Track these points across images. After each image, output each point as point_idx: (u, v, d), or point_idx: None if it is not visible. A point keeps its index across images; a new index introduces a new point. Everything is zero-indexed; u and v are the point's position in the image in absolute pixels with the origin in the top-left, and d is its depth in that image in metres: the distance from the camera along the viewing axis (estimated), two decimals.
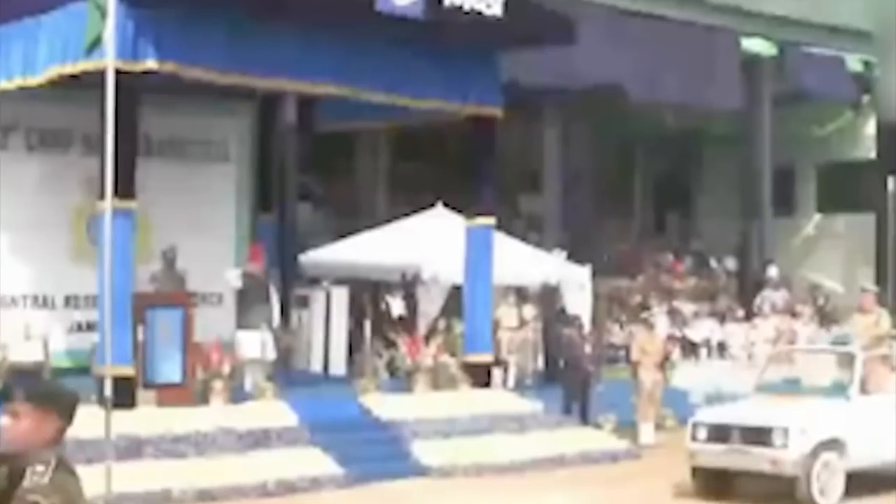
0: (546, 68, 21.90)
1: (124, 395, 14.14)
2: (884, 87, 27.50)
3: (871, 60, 27.73)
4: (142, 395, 14.94)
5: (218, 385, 15.73)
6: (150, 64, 14.84)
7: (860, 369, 15.06)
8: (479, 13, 16.76)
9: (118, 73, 13.37)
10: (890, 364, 15.89)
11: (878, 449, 14.59)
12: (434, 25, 16.59)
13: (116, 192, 13.56)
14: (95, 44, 14.65)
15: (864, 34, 26.89)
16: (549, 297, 23.05)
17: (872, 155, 30.95)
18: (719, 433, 14.58)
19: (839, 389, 15.11)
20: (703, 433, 14.70)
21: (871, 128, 31.10)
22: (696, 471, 14.82)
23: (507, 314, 22.36)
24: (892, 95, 22.12)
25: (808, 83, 27.86)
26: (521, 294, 23.01)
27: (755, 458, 14.20)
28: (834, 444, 14.29)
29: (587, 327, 21.90)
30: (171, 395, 15.40)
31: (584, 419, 18.46)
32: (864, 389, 15.09)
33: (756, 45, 26.96)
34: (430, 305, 21.33)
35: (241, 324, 17.36)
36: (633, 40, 24.53)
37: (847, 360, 15.42)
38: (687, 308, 28.45)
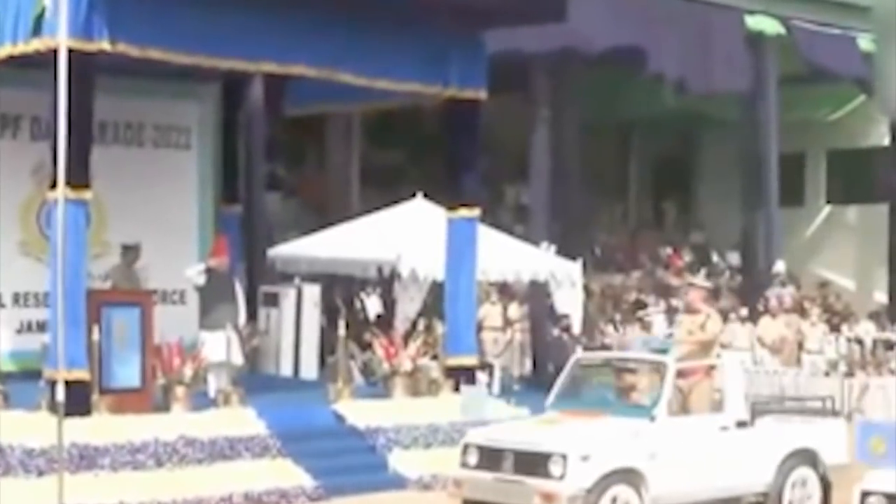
0: (536, 43, 22.06)
1: (78, 400, 14.14)
2: (883, 83, 27.57)
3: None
4: (97, 400, 14.95)
5: (179, 390, 15.74)
6: (104, 44, 14.84)
7: (671, 383, 13.46)
8: None
9: (71, 53, 13.39)
10: (716, 377, 14.38)
11: (688, 483, 13.16)
12: (413, 1, 16.63)
13: (69, 182, 13.59)
14: (39, 21, 14.65)
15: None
16: (537, 295, 23.13)
17: (886, 142, 31.11)
18: (491, 458, 12.96)
19: (643, 408, 13.51)
20: (473, 457, 13.13)
21: None
22: None
23: (491, 313, 22.45)
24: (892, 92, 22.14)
25: (820, 61, 27.94)
26: (508, 292, 23.10)
27: (527, 492, 12.51)
28: (628, 476, 12.68)
29: (578, 327, 22.04)
30: (128, 401, 15.40)
31: None
32: (683, 408, 13.85)
33: (761, 23, 27.07)
34: (408, 304, 21.39)
35: (205, 324, 17.37)
36: (629, 15, 24.64)
37: (658, 372, 13.77)
38: None
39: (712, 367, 14.46)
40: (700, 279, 18.40)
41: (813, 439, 14.20)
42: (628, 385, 14.18)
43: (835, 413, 15.27)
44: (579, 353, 16.18)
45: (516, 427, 14.00)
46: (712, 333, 15.00)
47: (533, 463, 12.60)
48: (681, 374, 13.86)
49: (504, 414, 16.90)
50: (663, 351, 14.42)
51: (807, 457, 14.04)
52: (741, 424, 13.84)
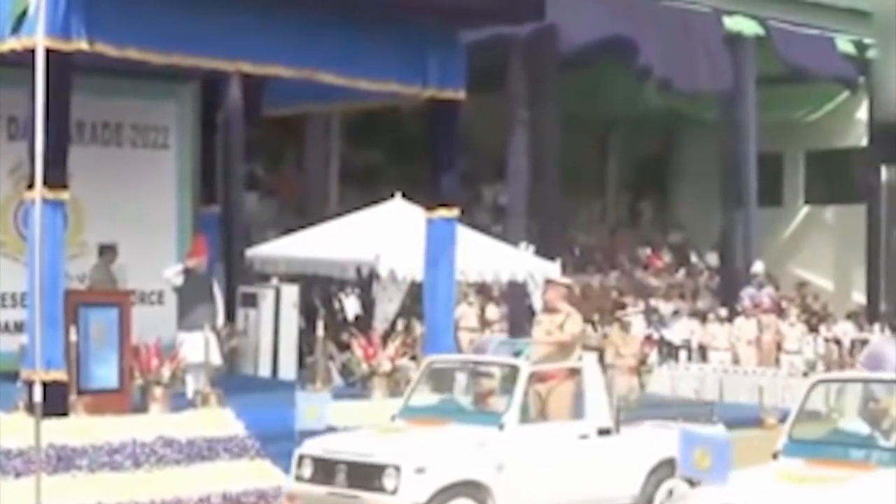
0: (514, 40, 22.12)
1: (55, 401, 14.10)
2: (882, 80, 27.70)
3: (864, 41, 27.97)
4: (74, 401, 14.92)
5: (157, 391, 15.72)
6: (82, 44, 14.81)
7: (523, 388, 12.66)
8: None
9: (49, 52, 13.37)
10: (578, 381, 13.48)
11: (541, 496, 12.33)
12: (391, 2, 16.63)
13: (46, 182, 13.56)
14: (21, 20, 14.63)
15: (856, 13, 27.13)
16: (516, 296, 23.16)
17: (864, 143, 31.27)
18: (325, 471, 12.16)
19: (493, 415, 12.69)
20: (307, 470, 12.34)
21: (862, 114, 31.41)
22: None
23: (467, 314, 22.47)
24: (891, 89, 22.21)
25: (797, 61, 28.09)
26: (486, 292, 23.12)
27: None
28: (470, 489, 11.85)
29: None
30: (106, 401, 15.37)
31: None
32: (542, 415, 13.24)
33: (739, 24, 27.18)
34: (387, 304, 21.40)
35: (183, 324, 17.35)
36: (611, 12, 24.72)
37: (510, 377, 12.94)
38: (665, 307, 28.66)
39: (573, 371, 13.57)
40: (558, 275, 16.01)
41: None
42: (483, 390, 13.35)
43: (715, 420, 14.38)
44: (432, 356, 15.02)
45: (354, 437, 12.94)
46: (570, 334, 14.15)
47: (366, 476, 11.82)
48: (539, 377, 13.20)
49: (358, 420, 15.26)
50: (519, 353, 13.79)
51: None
52: (604, 432, 13.06)
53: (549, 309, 14.55)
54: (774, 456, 10.41)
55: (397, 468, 11.63)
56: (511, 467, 12.09)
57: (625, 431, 13.27)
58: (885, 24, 16.34)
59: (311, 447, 12.52)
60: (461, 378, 13.85)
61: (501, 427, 12.37)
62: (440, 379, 13.86)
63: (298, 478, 12.39)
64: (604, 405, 13.32)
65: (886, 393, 10.74)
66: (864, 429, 10.57)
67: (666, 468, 12.92)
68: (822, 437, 10.73)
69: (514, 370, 12.87)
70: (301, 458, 12.45)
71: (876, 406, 10.61)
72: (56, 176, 14.36)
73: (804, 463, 10.19)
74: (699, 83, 26.44)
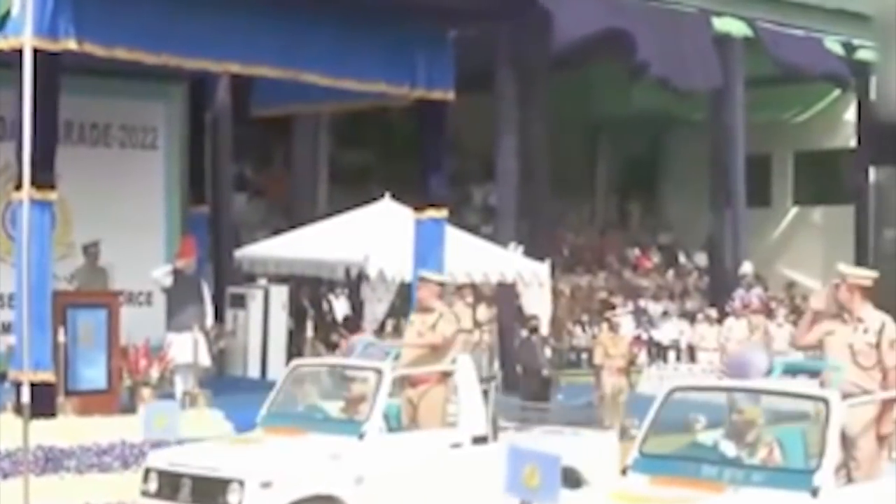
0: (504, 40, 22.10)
1: (44, 402, 14.07)
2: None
3: (852, 42, 27.99)
4: (62, 402, 14.88)
5: (146, 392, 15.69)
6: (70, 44, 14.78)
7: (385, 394, 11.95)
8: None
9: (36, 52, 13.32)
10: (453, 387, 12.77)
11: None
12: (380, 2, 16.62)
13: (34, 182, 13.50)
14: (4, 20, 14.59)
15: (844, 14, 27.17)
16: (505, 296, 23.15)
17: (852, 144, 31.32)
18: (171, 485, 11.36)
19: (354, 423, 11.90)
20: (153, 484, 11.52)
21: (851, 115, 31.47)
22: None
23: (463, 314, 22.45)
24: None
25: (788, 59, 28.07)
26: (476, 293, 23.11)
27: None
28: None
29: (546, 328, 22.02)
30: (94, 402, 15.34)
31: None
32: (414, 422, 12.57)
33: (727, 25, 27.19)
34: (376, 305, 21.38)
35: (172, 325, 17.32)
36: (604, 10, 24.70)
37: (374, 381, 12.14)
38: (654, 307, 28.68)
39: (446, 375, 12.80)
40: (432, 273, 14.48)
41: (575, 456, 12.01)
42: (349, 396, 12.48)
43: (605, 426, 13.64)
44: (297, 360, 14.15)
45: (202, 449, 12.14)
46: (442, 335, 13.08)
47: (210, 491, 11.02)
48: (411, 382, 12.59)
49: (213, 432, 14.59)
50: (395, 356, 12.89)
51: (567, 476, 10.90)
52: (479, 440, 12.38)
53: (422, 308, 13.48)
54: (623, 472, 9.59)
55: (241, 483, 10.85)
56: (372, 480, 11.37)
57: (505, 439, 12.42)
58: (884, 26, 16.34)
59: (157, 459, 11.77)
60: (327, 383, 13.06)
61: (362, 436, 11.65)
62: (306, 384, 13.00)
63: (144, 493, 11.61)
64: (479, 412, 12.61)
65: (751, 403, 9.75)
66: (722, 443, 9.61)
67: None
68: (675, 451, 9.82)
69: (378, 374, 12.07)
70: (147, 471, 11.71)
71: (740, 417, 9.63)
72: (44, 177, 14.33)
73: (649, 481, 9.27)
74: (694, 81, 26.41)
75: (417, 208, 18.72)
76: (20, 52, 13.27)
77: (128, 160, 19.88)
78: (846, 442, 9.85)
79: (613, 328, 20.35)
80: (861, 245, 30.19)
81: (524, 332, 22.30)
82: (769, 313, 25.90)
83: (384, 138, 29.24)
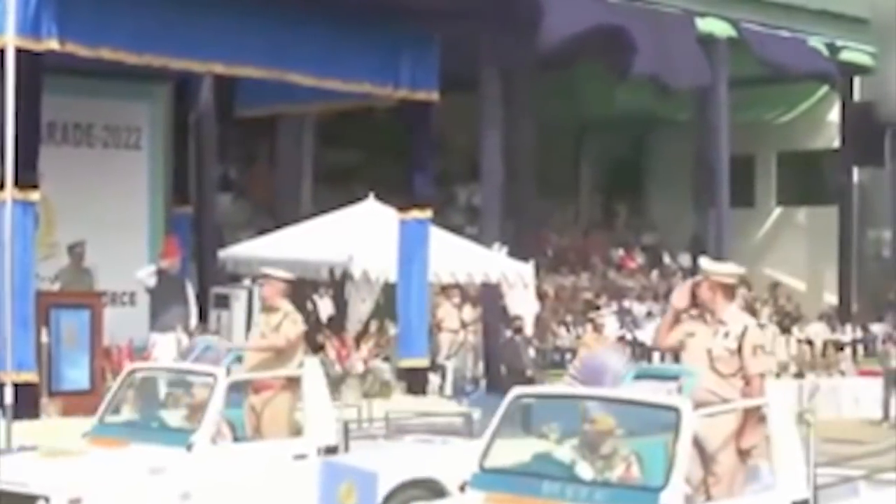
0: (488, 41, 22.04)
1: (27, 403, 14.04)
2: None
3: (836, 44, 28.02)
4: (46, 403, 14.84)
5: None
6: (53, 44, 14.73)
7: (220, 401, 11.16)
8: None
9: (19, 52, 13.29)
10: (296, 392, 11.99)
11: None
12: (364, 2, 16.61)
13: (17, 182, 13.49)
14: None
15: (827, 14, 27.19)
16: (489, 297, 23.12)
17: (836, 144, 31.35)
18: None
19: (182, 433, 11.06)
20: None
21: (834, 116, 31.51)
22: None
23: (450, 315, 22.45)
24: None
25: (776, 59, 28.04)
26: (462, 293, 23.10)
27: None
28: None
29: (531, 329, 22.01)
30: (78, 403, 15.26)
31: None
32: (258, 431, 11.86)
33: (711, 25, 27.19)
34: (360, 305, 21.34)
35: (155, 326, 17.30)
36: (593, 7, 24.67)
37: (209, 388, 11.36)
38: (638, 308, 28.67)
39: (292, 380, 12.04)
40: (275, 269, 13.01)
41: (436, 467, 10.86)
42: (191, 403, 11.66)
43: (472, 434, 12.37)
44: (132, 364, 13.40)
45: (16, 462, 11.16)
46: (285, 337, 12.24)
47: None
48: (254, 388, 11.91)
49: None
50: (237, 358, 12.08)
51: (427, 488, 10.60)
52: (329, 451, 11.55)
53: (266, 308, 12.71)
54: (461, 488, 8.81)
55: (47, 499, 10.06)
56: (200, 495, 10.61)
57: (359, 450, 11.81)
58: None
59: None
60: (163, 389, 12.23)
61: (189, 448, 10.85)
62: (143, 389, 12.20)
63: None
64: (329, 420, 11.85)
65: (604, 412, 8.69)
66: (570, 456, 8.59)
67: (409, 491, 10.60)
68: (518, 465, 8.80)
69: (213, 379, 11.28)
70: None
71: (592, 428, 8.63)
72: (27, 176, 14.29)
73: (485, 499, 8.46)
74: (682, 79, 26.37)
75: (402, 208, 18.73)
76: (2, 51, 13.26)
77: (111, 160, 19.84)
78: (704, 456, 8.99)
79: (597, 329, 20.33)
80: (844, 246, 30.23)
81: (508, 333, 22.29)
82: (753, 314, 25.96)
83: (369, 139, 29.17)
